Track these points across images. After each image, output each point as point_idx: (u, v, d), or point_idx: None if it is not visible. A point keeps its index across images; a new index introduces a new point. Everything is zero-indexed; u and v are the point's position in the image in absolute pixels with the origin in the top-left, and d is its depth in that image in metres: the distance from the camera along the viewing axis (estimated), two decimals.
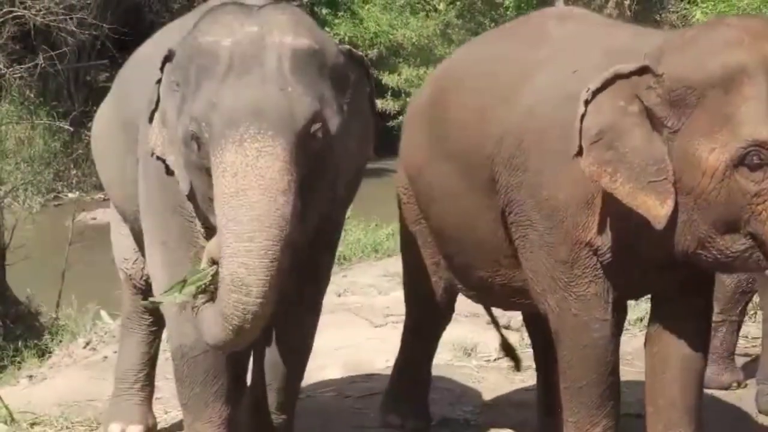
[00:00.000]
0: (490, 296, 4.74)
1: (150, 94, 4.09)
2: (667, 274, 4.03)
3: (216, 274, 3.61)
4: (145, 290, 4.99)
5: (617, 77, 3.76)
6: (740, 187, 3.61)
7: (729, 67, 3.62)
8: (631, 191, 3.72)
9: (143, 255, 4.84)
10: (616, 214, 3.87)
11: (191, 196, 3.89)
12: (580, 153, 3.76)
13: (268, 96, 3.58)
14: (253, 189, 3.49)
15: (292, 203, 3.52)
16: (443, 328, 5.25)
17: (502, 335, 5.36)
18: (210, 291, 3.66)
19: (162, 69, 3.92)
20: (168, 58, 3.90)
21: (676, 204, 3.70)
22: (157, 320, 5.15)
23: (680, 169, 3.69)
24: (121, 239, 5.17)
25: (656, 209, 3.70)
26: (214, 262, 3.65)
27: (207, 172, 3.64)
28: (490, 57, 4.56)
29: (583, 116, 3.74)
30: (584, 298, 4.01)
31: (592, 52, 4.10)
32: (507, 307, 4.87)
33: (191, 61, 3.73)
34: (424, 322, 5.19)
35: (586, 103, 3.75)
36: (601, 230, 3.92)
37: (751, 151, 3.57)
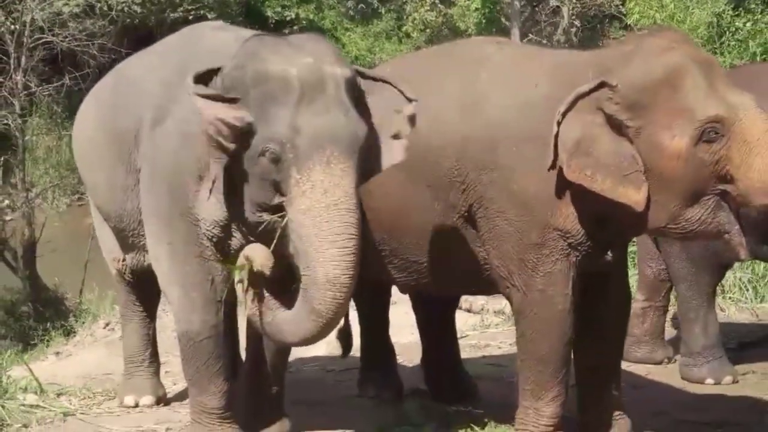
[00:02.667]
0: (430, 281, 4.53)
1: (145, 108, 4.15)
2: (620, 250, 4.20)
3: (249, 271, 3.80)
4: (134, 284, 5.01)
5: (579, 97, 3.87)
6: (703, 161, 3.77)
7: (671, 67, 3.81)
8: (611, 186, 3.83)
9: (124, 252, 4.79)
10: (582, 205, 3.95)
11: (229, 198, 3.89)
12: (554, 165, 3.86)
13: (339, 121, 3.66)
14: (342, 203, 3.61)
15: (359, 214, 3.68)
16: (385, 310, 5.23)
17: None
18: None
19: (196, 83, 3.79)
20: (207, 75, 3.83)
21: (649, 188, 3.82)
22: (149, 307, 5.16)
23: (649, 159, 3.82)
24: (106, 239, 5.04)
25: (635, 196, 3.82)
26: (248, 259, 3.78)
27: (272, 183, 3.69)
28: (433, 71, 4.45)
29: (557, 135, 3.84)
30: (550, 275, 4.04)
31: (537, 68, 4.16)
32: (448, 291, 4.78)
33: (255, 85, 3.69)
34: (367, 307, 5.18)
35: (558, 123, 3.84)
36: (569, 217, 3.97)
37: (707, 128, 3.76)
